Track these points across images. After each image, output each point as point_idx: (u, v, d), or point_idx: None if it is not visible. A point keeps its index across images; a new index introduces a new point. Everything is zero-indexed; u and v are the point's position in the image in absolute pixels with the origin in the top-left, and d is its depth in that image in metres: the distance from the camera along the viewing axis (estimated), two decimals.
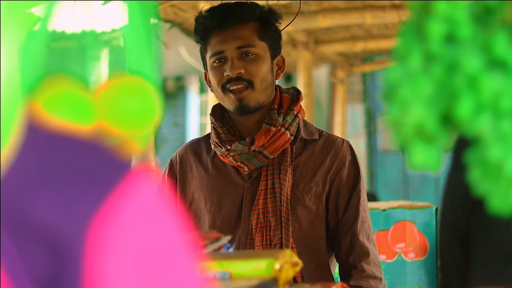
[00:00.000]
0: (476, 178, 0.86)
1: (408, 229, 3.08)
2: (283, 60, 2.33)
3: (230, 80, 2.18)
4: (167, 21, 4.34)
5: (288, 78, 9.12)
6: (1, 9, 0.76)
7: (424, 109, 0.85)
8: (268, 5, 2.39)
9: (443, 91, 0.84)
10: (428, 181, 9.04)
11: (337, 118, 7.19)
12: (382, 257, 3.08)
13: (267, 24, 2.26)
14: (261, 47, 2.23)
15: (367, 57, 7.16)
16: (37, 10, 1.11)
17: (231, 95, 2.19)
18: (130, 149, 0.87)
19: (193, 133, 10.69)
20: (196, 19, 2.28)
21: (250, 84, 2.18)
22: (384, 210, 3.09)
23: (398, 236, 3.09)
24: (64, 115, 0.78)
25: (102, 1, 3.75)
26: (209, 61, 2.24)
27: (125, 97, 0.88)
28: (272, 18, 2.29)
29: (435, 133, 0.85)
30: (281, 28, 2.33)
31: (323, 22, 4.84)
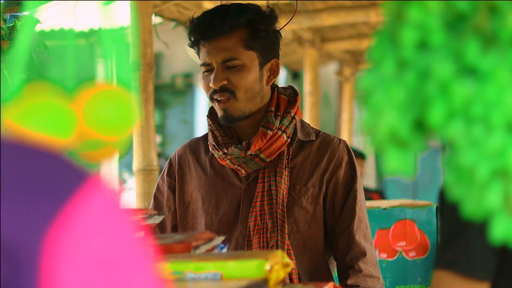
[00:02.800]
0: (449, 183, 0.87)
1: (409, 228, 3.08)
2: (277, 64, 2.28)
3: (215, 92, 2.19)
4: (172, 20, 4.36)
5: (295, 75, 9.13)
6: None
7: (397, 115, 0.86)
8: (270, 5, 2.37)
9: (415, 97, 0.85)
10: (437, 179, 9.03)
11: (345, 116, 7.20)
12: (383, 256, 3.09)
13: (255, 31, 2.21)
14: (247, 57, 2.19)
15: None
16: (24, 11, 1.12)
17: (216, 104, 2.20)
18: (106, 154, 0.88)
19: (202, 129, 10.71)
20: (188, 26, 2.27)
21: (233, 95, 2.18)
22: (385, 208, 3.10)
23: (399, 235, 3.09)
24: (39, 124, 0.79)
25: (104, 1, 3.76)
26: (201, 68, 2.25)
27: (102, 104, 0.89)
28: (261, 23, 2.22)
29: (408, 139, 0.86)
30: (279, 28, 2.32)
31: (328, 20, 4.85)
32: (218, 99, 2.18)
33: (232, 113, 2.18)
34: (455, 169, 0.86)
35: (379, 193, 7.84)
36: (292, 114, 2.25)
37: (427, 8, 0.85)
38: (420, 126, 0.86)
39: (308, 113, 5.97)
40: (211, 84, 2.17)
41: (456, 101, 0.84)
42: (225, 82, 2.16)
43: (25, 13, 2.15)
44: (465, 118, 0.84)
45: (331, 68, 8.99)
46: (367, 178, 8.64)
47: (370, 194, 7.48)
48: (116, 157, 0.90)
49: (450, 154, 0.86)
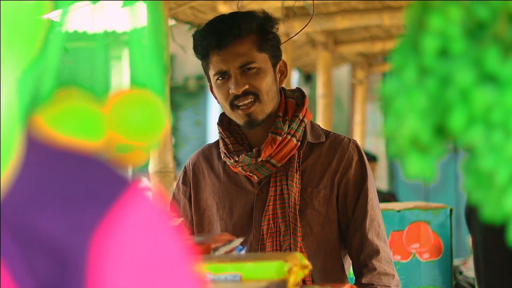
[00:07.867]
0: (469, 187, 0.89)
1: (422, 230, 3.10)
2: (285, 65, 2.33)
3: (237, 97, 2.20)
4: (186, 22, 4.38)
5: (308, 78, 9.14)
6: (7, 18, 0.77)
7: (419, 120, 0.88)
8: (285, 6, 2.40)
9: (436, 103, 0.88)
10: (449, 181, 9.02)
11: (357, 118, 7.21)
12: (397, 258, 3.11)
13: (265, 33, 2.26)
14: (262, 59, 2.23)
15: (387, 56, 7.17)
16: (51, 15, 1.15)
17: (239, 111, 2.21)
18: (136, 159, 0.91)
19: (214, 131, 10.73)
20: (194, 37, 2.27)
21: (256, 97, 2.20)
22: (399, 211, 3.12)
23: (413, 237, 3.11)
24: (71, 129, 0.82)
25: (122, 2, 3.78)
26: (213, 79, 2.25)
27: (131, 108, 0.91)
28: (269, 26, 2.28)
29: (429, 144, 0.88)
30: (295, 34, 2.35)
31: (342, 23, 4.86)
32: (241, 104, 2.19)
33: (257, 117, 2.20)
34: (474, 173, 0.88)
35: (391, 195, 7.85)
36: (301, 118, 2.27)
37: (448, 16, 0.87)
38: (441, 132, 0.88)
39: (321, 115, 5.98)
40: (232, 91, 2.18)
41: (476, 108, 0.86)
42: (247, 87, 2.18)
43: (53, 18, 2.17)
44: (485, 124, 0.86)
45: (344, 70, 9.00)
46: (379, 180, 8.65)
47: (382, 196, 7.50)
48: (145, 161, 0.93)
49: (469, 159, 0.88)
